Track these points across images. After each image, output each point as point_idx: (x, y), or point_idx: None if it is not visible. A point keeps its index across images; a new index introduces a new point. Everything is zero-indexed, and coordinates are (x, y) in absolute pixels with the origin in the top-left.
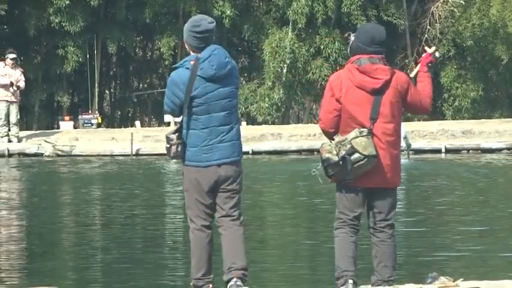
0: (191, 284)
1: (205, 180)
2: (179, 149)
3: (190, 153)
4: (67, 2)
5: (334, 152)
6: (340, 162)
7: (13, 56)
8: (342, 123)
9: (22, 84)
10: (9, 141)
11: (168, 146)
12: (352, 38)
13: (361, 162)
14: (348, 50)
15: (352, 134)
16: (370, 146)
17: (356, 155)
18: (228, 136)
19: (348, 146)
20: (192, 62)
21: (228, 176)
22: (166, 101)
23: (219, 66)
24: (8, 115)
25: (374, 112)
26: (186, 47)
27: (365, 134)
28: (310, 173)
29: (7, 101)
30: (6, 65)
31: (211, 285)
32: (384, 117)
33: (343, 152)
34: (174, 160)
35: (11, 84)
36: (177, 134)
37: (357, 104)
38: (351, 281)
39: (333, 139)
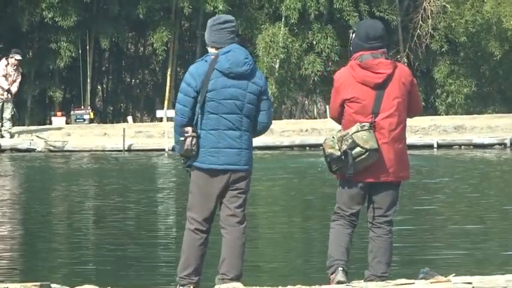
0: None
1: (211, 187)
2: (193, 142)
3: (198, 153)
4: None
5: (337, 147)
6: (342, 156)
7: (19, 57)
8: (346, 118)
9: (15, 88)
10: (2, 136)
11: (183, 138)
12: (353, 35)
13: (362, 156)
14: (350, 47)
15: (354, 129)
16: (371, 139)
17: (357, 149)
18: (236, 143)
19: (350, 140)
20: (212, 57)
21: (234, 180)
22: (179, 96)
23: (235, 62)
24: (1, 111)
25: (376, 106)
26: (209, 50)
27: (366, 128)
28: (301, 169)
29: (1, 99)
30: (8, 64)
31: (192, 287)
32: (387, 111)
33: (344, 147)
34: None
35: (8, 90)
36: (192, 127)
37: (361, 99)
38: (340, 269)
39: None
